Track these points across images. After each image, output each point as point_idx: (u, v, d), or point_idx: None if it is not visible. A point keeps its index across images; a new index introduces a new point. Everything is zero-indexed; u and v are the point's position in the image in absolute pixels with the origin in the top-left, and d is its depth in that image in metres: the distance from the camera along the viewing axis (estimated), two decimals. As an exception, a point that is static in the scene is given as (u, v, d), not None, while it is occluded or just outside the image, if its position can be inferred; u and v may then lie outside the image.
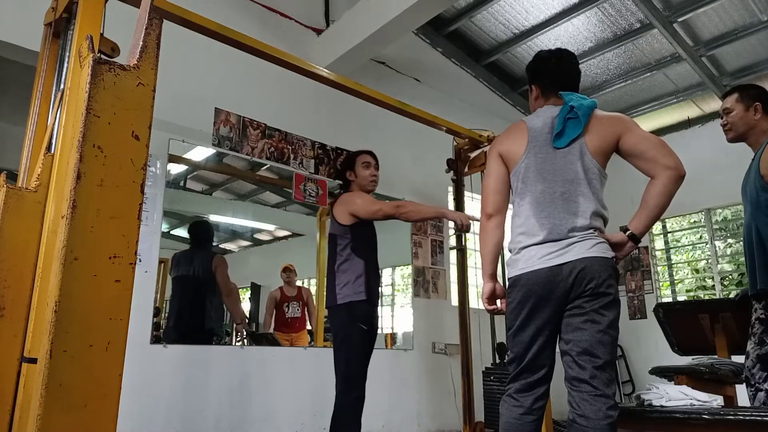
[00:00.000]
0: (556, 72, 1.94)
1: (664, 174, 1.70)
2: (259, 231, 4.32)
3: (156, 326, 3.29)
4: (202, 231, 3.87)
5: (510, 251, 1.88)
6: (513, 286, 1.81)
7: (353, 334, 2.53)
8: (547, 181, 1.79)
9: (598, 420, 1.58)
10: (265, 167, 4.00)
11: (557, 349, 1.77)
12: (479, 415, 3.57)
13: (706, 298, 6.01)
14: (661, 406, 2.12)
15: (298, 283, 4.31)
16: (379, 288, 2.79)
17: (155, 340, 3.20)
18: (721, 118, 2.33)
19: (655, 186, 1.72)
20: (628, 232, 1.77)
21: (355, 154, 2.92)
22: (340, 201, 2.75)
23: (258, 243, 4.37)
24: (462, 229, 2.66)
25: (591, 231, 1.72)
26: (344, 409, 2.49)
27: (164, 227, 3.41)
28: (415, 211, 2.67)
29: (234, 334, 3.92)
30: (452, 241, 3.98)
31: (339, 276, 2.62)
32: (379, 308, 2.74)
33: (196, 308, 3.70)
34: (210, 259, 3.75)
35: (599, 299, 1.66)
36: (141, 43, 1.22)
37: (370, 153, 2.91)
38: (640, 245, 6.21)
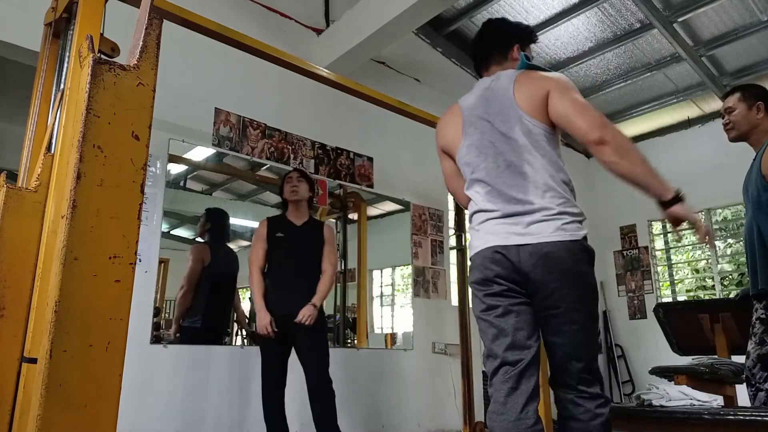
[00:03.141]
0: (476, 46, 1.88)
1: (592, 149, 1.53)
2: (259, 231, 4.32)
3: (156, 326, 3.28)
4: (226, 223, 3.80)
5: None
6: (471, 267, 1.67)
7: (261, 340, 2.92)
8: (489, 157, 1.65)
9: (587, 421, 1.50)
10: (265, 167, 4.00)
11: (537, 343, 1.59)
12: (479, 415, 3.56)
13: (706, 298, 6.01)
14: (661, 406, 2.12)
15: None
16: (300, 293, 2.93)
17: (155, 340, 3.20)
18: (723, 117, 2.32)
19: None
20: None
21: (287, 173, 3.26)
22: None
23: (258, 243, 4.36)
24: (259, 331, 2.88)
25: (553, 204, 1.54)
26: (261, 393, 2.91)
27: (164, 227, 3.41)
28: (252, 292, 2.96)
29: (235, 333, 3.92)
30: (452, 241, 3.98)
31: None
32: (291, 312, 2.84)
33: (229, 308, 3.70)
34: (237, 258, 3.77)
35: (571, 292, 1.51)
36: (141, 43, 1.22)
37: (296, 169, 3.30)
38: (639, 245, 6.25)
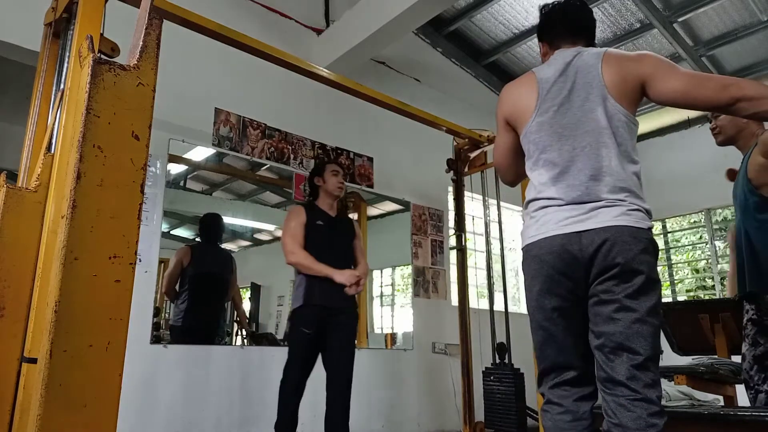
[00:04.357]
0: (564, 18, 1.73)
1: (729, 111, 1.50)
2: (259, 231, 4.32)
3: (156, 326, 3.28)
4: (217, 227, 3.82)
5: (523, 221, 1.63)
6: (525, 258, 1.55)
7: (291, 337, 2.82)
8: (563, 138, 1.52)
9: (638, 430, 1.31)
10: (265, 167, 4.00)
11: (589, 348, 1.50)
12: (479, 415, 3.56)
13: (706, 298, 6.01)
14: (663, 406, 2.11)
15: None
16: (333, 290, 2.83)
17: (155, 340, 3.20)
18: (710, 122, 2.32)
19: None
20: None
21: (324, 162, 3.18)
22: (286, 214, 3.00)
23: (258, 243, 4.36)
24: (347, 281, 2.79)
25: (621, 195, 1.44)
26: (279, 390, 2.72)
27: (164, 227, 3.41)
28: (306, 266, 2.80)
29: (235, 333, 3.93)
30: (452, 241, 3.99)
31: (294, 285, 2.92)
32: (336, 306, 2.79)
33: (220, 310, 3.71)
34: (230, 259, 3.78)
35: (631, 280, 1.38)
36: (141, 43, 1.22)
37: (339, 163, 3.20)
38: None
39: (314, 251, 2.82)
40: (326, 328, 2.77)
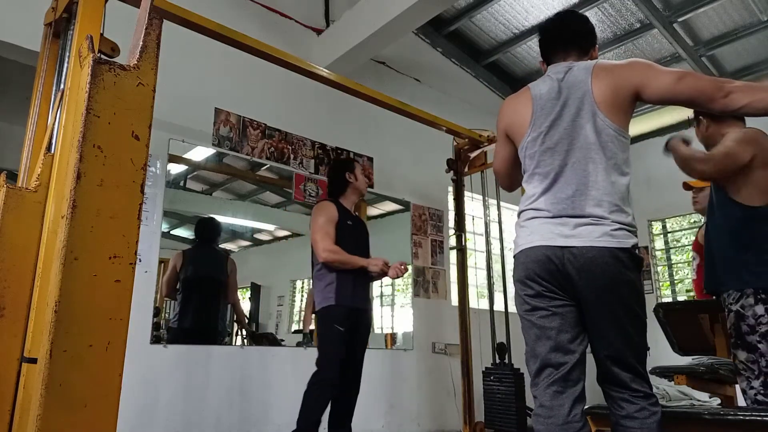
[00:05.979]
0: (551, 32, 1.80)
1: (719, 104, 1.53)
2: (259, 231, 4.32)
3: (156, 326, 3.28)
4: (211, 229, 3.85)
5: (515, 230, 1.73)
6: (515, 265, 1.64)
7: (328, 335, 2.74)
8: (555, 153, 1.58)
9: (644, 419, 1.48)
10: (265, 167, 4.00)
11: (581, 346, 1.58)
12: (479, 415, 3.56)
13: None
14: (662, 406, 2.12)
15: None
16: (366, 289, 2.93)
17: (155, 340, 3.20)
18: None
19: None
20: None
21: (353, 160, 3.18)
22: (314, 210, 2.93)
23: (258, 243, 4.37)
24: (390, 274, 2.86)
25: (606, 210, 1.50)
26: (310, 388, 2.65)
27: (164, 227, 3.41)
28: (344, 262, 2.77)
29: (236, 333, 3.93)
30: (452, 241, 3.99)
31: (315, 283, 2.85)
32: (361, 307, 2.85)
33: (214, 310, 3.72)
34: (225, 261, 3.79)
35: (617, 300, 1.49)
36: (141, 43, 1.22)
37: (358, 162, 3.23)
38: (639, 245, 6.24)
39: (344, 246, 2.81)
40: (352, 327, 2.77)
